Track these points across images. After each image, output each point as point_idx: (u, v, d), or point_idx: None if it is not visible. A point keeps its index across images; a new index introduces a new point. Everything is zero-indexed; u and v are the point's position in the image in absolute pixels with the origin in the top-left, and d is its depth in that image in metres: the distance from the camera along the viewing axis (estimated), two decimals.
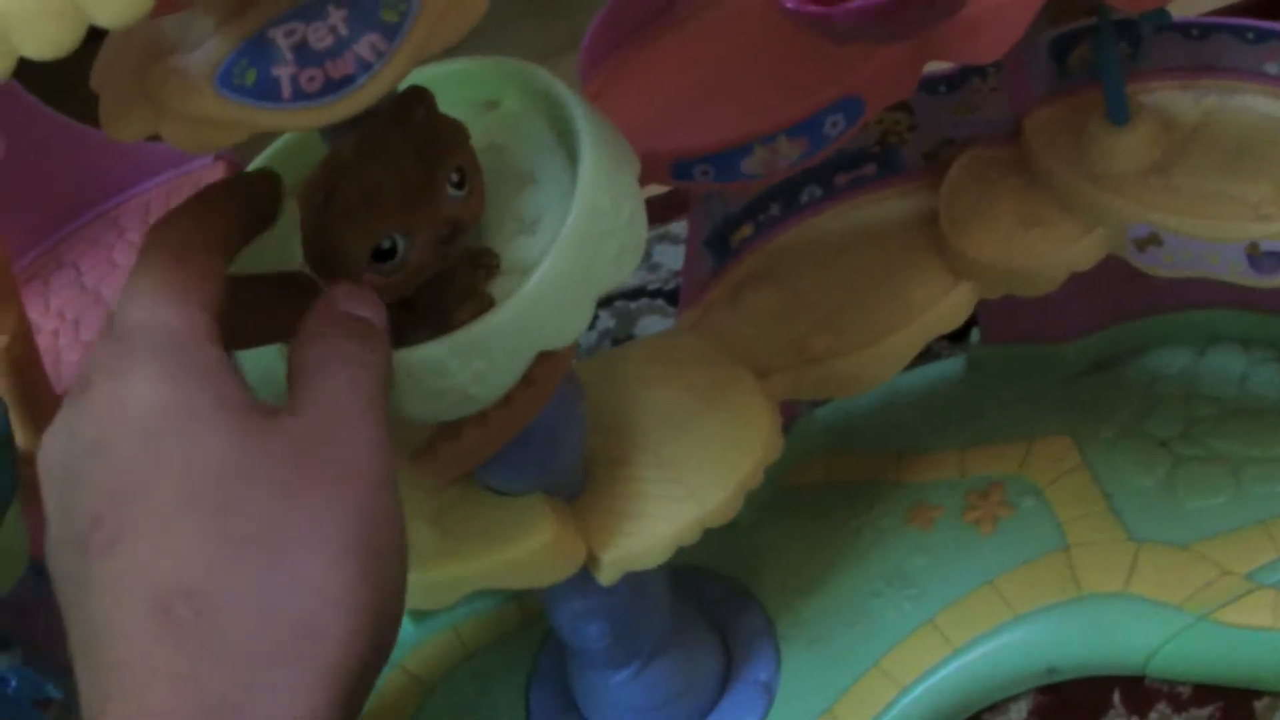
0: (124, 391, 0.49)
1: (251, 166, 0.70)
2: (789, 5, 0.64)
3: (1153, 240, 0.78)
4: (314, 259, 0.59)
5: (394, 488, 0.52)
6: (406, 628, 0.94)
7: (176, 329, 0.50)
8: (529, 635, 0.93)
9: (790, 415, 0.96)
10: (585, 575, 0.76)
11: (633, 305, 1.19)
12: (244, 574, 0.48)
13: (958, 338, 1.01)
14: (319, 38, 0.56)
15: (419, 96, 0.60)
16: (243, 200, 0.58)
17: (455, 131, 0.61)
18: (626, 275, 0.65)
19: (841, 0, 0.64)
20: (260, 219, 0.59)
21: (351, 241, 0.58)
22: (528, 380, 0.64)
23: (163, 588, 0.47)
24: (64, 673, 0.60)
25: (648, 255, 1.22)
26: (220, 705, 0.46)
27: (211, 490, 0.48)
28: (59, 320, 0.79)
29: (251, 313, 0.58)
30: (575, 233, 0.62)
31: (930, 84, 0.87)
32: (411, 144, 0.59)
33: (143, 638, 0.47)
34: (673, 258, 1.19)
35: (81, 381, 0.50)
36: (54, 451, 0.50)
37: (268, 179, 0.61)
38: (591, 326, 1.18)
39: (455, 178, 0.60)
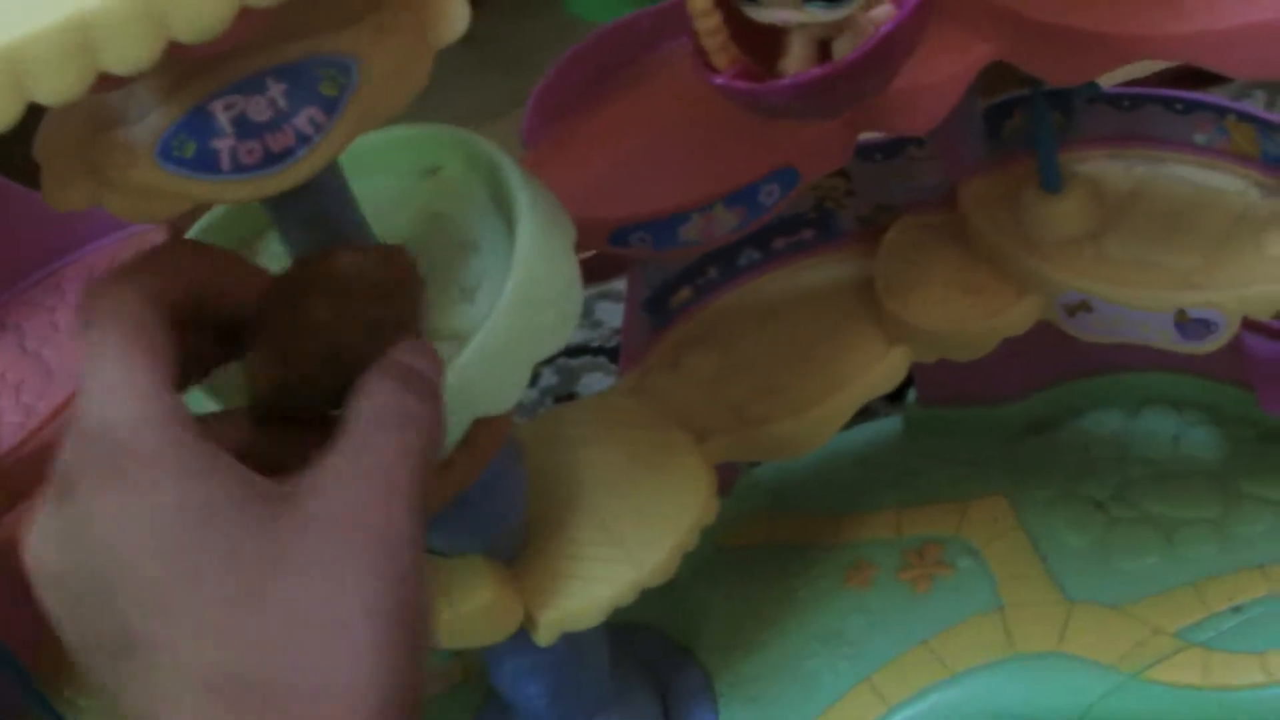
0: (131, 498, 0.48)
1: (189, 235, 0.71)
2: (719, 82, 0.65)
3: (1083, 307, 0.79)
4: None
5: (422, 548, 0.52)
6: None
7: (159, 424, 0.49)
8: (472, 691, 0.93)
9: (730, 476, 0.97)
10: (524, 635, 0.76)
11: (575, 362, 1.20)
12: (287, 650, 0.48)
13: (895, 398, 1.02)
14: (258, 111, 0.56)
15: (348, 286, 0.54)
16: (183, 262, 0.55)
17: (412, 298, 0.57)
18: (563, 343, 0.66)
19: (767, 76, 0.65)
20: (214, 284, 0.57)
21: (264, 380, 0.56)
22: (467, 444, 0.65)
23: (210, 675, 0.47)
24: None
25: (590, 312, 1.23)
26: None
27: (248, 582, 0.48)
28: (0, 383, 0.79)
29: None
30: (512, 302, 0.63)
31: (867, 151, 0.88)
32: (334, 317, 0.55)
33: (197, 715, 0.47)
34: (615, 315, 1.20)
35: (64, 486, 0.48)
36: (53, 562, 0.48)
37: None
38: (534, 384, 1.18)
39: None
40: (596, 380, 1.19)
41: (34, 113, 0.51)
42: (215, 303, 0.54)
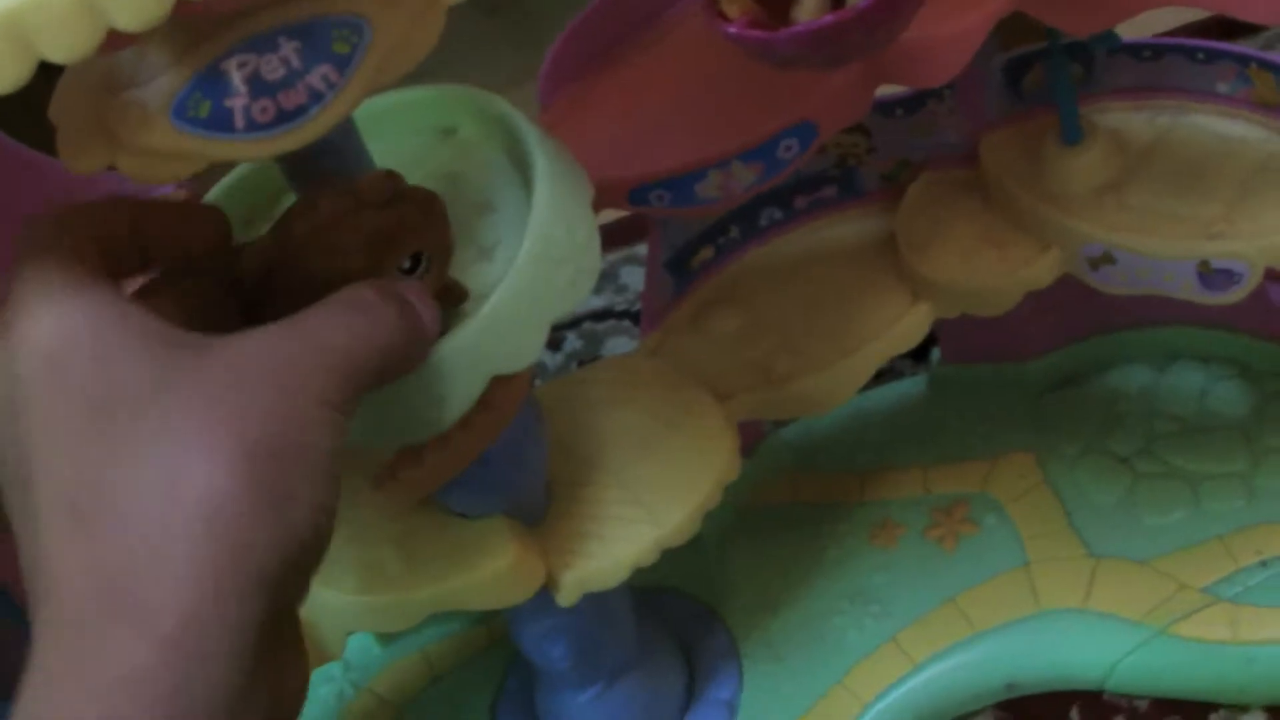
0: (39, 326, 0.50)
1: (208, 197, 0.71)
2: (731, 31, 0.64)
3: (1106, 259, 0.79)
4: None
5: (340, 445, 0.53)
6: (374, 651, 0.95)
7: (79, 276, 0.51)
8: (496, 656, 0.93)
9: (755, 435, 0.97)
10: (547, 596, 0.76)
11: (599, 327, 1.20)
12: (144, 467, 0.48)
13: (919, 356, 1.02)
14: (271, 69, 0.56)
15: (380, 185, 0.60)
16: (120, 206, 0.57)
17: (419, 215, 0.61)
18: (580, 300, 0.65)
19: (780, 26, 0.64)
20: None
21: None
22: (486, 404, 0.65)
23: (69, 490, 0.48)
24: None
25: (615, 277, 1.23)
26: (121, 574, 0.47)
27: (117, 406, 0.49)
28: None
29: None
30: (529, 260, 0.63)
31: (887, 107, 0.88)
32: (362, 235, 0.59)
33: (59, 541, 0.48)
34: (639, 279, 1.20)
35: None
36: None
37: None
38: (558, 348, 1.18)
39: (407, 264, 0.61)
40: (621, 344, 1.18)
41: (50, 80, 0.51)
42: (162, 246, 0.57)
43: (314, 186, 0.61)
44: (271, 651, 0.49)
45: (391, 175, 0.61)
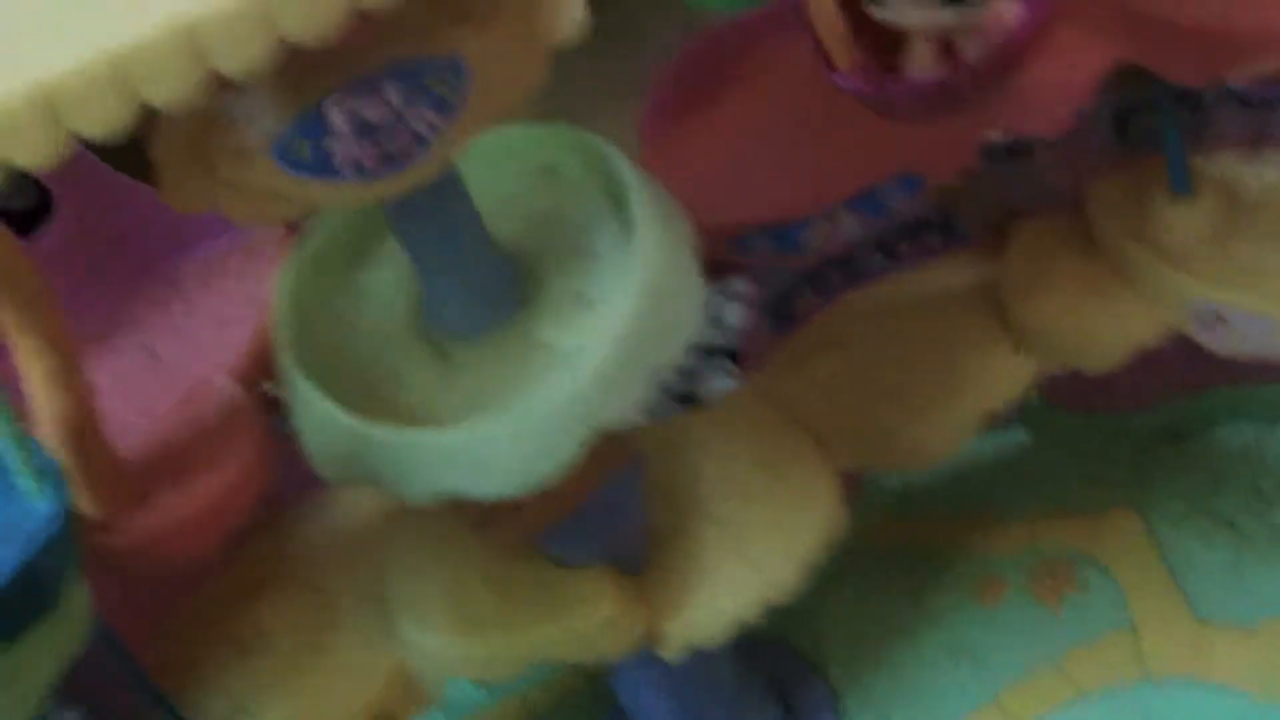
0: None
1: (311, 232, 0.71)
2: (839, 82, 0.64)
3: (1215, 315, 0.77)
4: None
5: None
6: (474, 695, 0.94)
7: None
8: (596, 703, 0.92)
9: (854, 481, 0.96)
10: (648, 649, 0.75)
11: (696, 365, 1.19)
12: None
13: (1023, 406, 1.01)
14: (373, 112, 0.56)
15: None
16: None
17: None
18: (682, 352, 0.65)
19: (890, 77, 0.64)
20: None
21: None
22: (588, 454, 0.64)
23: None
24: None
25: (712, 312, 1.21)
26: None
27: None
28: (117, 382, 0.79)
29: None
30: (632, 314, 0.62)
31: (991, 153, 0.86)
32: None
33: None
34: (736, 315, 1.18)
35: None
36: None
37: None
38: None
39: None
40: (717, 381, 1.17)
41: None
42: None
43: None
44: None
45: None
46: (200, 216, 0.82)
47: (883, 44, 0.64)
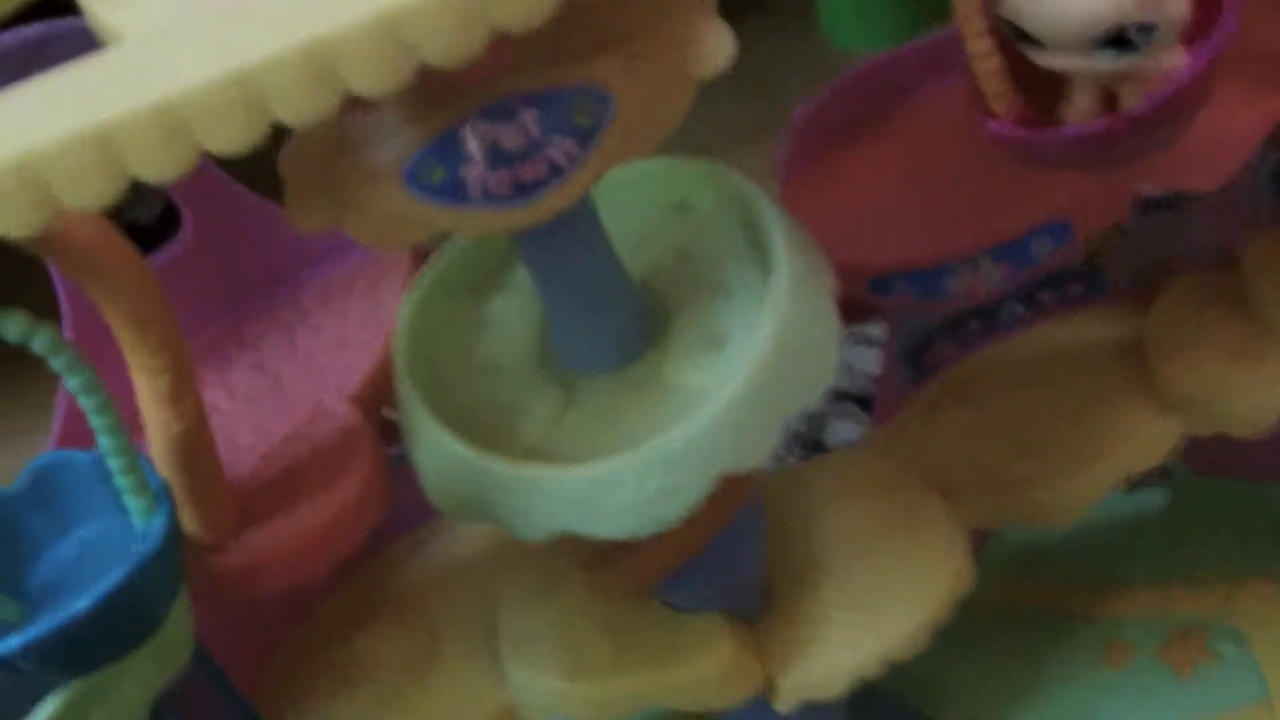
0: None
1: (437, 259, 0.69)
2: (993, 128, 0.62)
3: None
4: None
5: None
6: None
7: None
8: None
9: (979, 538, 0.93)
10: (761, 700, 0.73)
11: (824, 409, 1.17)
12: None
13: (1161, 467, 0.98)
14: (510, 139, 0.55)
15: None
16: None
17: None
18: (817, 397, 0.63)
19: (1049, 125, 0.62)
20: None
21: None
22: (711, 498, 0.62)
23: None
24: None
25: (845, 359, 1.20)
26: None
27: None
28: (233, 401, 0.78)
29: None
30: (765, 355, 0.60)
31: (1143, 205, 0.84)
32: None
33: None
34: (867, 360, 1.16)
35: None
36: None
37: None
38: None
39: None
40: (845, 428, 1.15)
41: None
42: None
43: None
44: None
45: None
46: (324, 237, 0.82)
47: (1041, 91, 0.62)
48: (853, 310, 0.97)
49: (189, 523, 0.67)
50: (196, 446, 0.67)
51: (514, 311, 0.69)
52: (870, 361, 1.15)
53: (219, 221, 0.79)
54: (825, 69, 0.83)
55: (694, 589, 0.71)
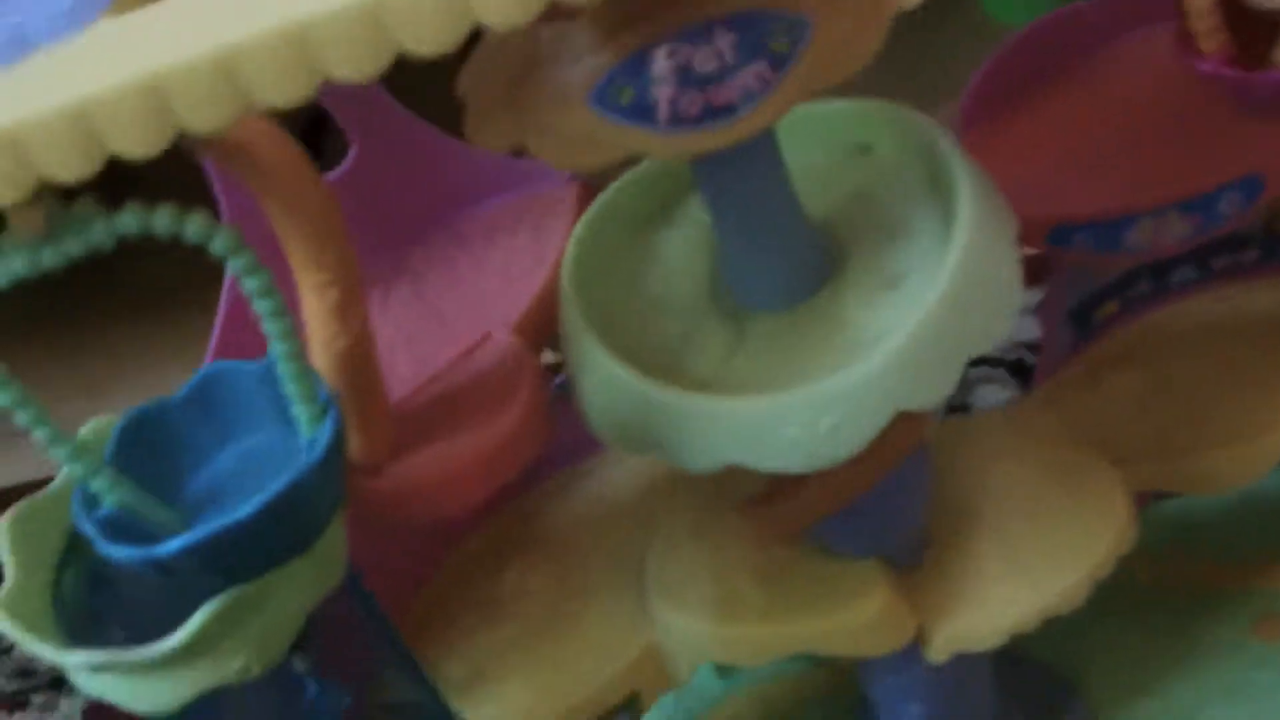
0: None
1: (608, 191, 0.69)
2: (1205, 68, 0.60)
3: None
4: None
5: None
6: (712, 684, 0.92)
7: None
8: (836, 703, 0.89)
9: (1138, 504, 0.92)
10: (911, 651, 0.72)
11: (971, 373, 1.16)
12: None
13: None
14: (703, 62, 0.54)
15: None
16: None
17: None
18: (997, 340, 0.62)
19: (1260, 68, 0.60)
20: None
21: None
22: (880, 440, 0.61)
23: None
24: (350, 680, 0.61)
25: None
26: None
27: None
28: (394, 331, 0.78)
29: None
30: (948, 293, 0.59)
31: None
32: None
33: None
34: (1016, 327, 1.15)
35: None
36: None
37: None
38: None
39: None
40: (992, 393, 1.14)
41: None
42: None
43: None
44: None
45: None
46: (490, 174, 0.82)
47: (1253, 38, 0.61)
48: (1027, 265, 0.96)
49: (351, 441, 0.67)
50: (360, 364, 0.67)
51: (684, 246, 0.68)
52: (1019, 328, 1.13)
53: (386, 148, 0.78)
54: (990, 39, 0.81)
55: (854, 533, 0.70)
